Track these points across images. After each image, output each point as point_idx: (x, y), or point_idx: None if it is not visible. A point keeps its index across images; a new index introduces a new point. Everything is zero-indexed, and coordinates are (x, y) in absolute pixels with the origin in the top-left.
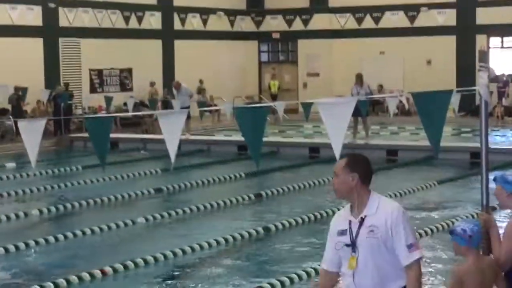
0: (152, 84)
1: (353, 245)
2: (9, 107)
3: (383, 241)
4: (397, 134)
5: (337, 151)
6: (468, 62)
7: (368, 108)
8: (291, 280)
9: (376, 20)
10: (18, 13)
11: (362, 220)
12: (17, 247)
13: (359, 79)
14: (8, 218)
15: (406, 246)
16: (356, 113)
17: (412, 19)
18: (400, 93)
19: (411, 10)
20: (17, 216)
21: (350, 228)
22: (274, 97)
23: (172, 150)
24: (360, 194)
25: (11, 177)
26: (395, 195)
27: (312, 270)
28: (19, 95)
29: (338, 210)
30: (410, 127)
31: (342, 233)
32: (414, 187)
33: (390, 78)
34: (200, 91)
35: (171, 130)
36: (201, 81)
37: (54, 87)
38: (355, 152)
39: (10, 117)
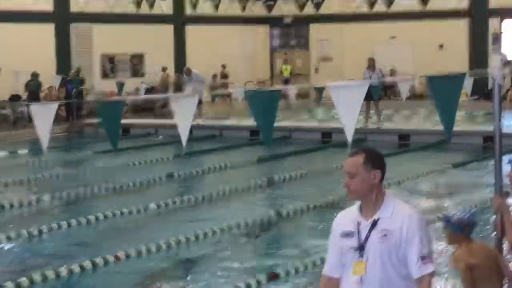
0: (164, 69)
1: (361, 249)
2: (21, 93)
3: (395, 247)
4: (410, 118)
5: (349, 135)
6: (480, 46)
7: (380, 93)
8: (305, 266)
9: (388, 4)
10: None
11: (375, 222)
12: (29, 233)
13: (371, 63)
14: (20, 204)
15: (419, 257)
16: (368, 97)
17: (424, 2)
18: (412, 77)
19: None
20: (29, 202)
21: (358, 230)
22: (286, 82)
23: (184, 135)
24: (377, 194)
25: (23, 163)
26: (407, 179)
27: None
28: (39, 81)
29: (346, 196)
30: (423, 111)
31: (347, 235)
32: (427, 172)
33: (402, 63)
34: (225, 75)
35: (183, 115)
36: (223, 66)
37: (66, 73)
38: (369, 146)
39: (24, 102)
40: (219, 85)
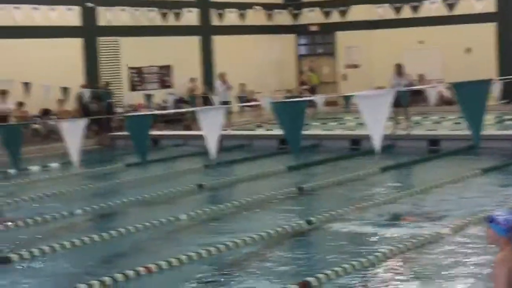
0: (193, 80)
1: None
2: (52, 106)
3: None
4: (439, 123)
5: (376, 143)
6: (508, 49)
7: (408, 99)
8: (336, 273)
9: (415, 9)
10: (58, 14)
11: None
12: (62, 246)
13: (399, 69)
14: (53, 217)
15: None
16: (397, 103)
17: (450, 7)
18: (440, 83)
19: None
20: (62, 215)
21: None
22: (313, 90)
23: (212, 146)
24: None
25: (55, 177)
26: (438, 185)
27: (357, 263)
28: (108, 91)
29: (380, 200)
30: (452, 116)
31: None
32: (458, 177)
33: (430, 68)
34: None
35: (211, 126)
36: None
37: (94, 86)
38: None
39: (54, 117)
40: (247, 95)
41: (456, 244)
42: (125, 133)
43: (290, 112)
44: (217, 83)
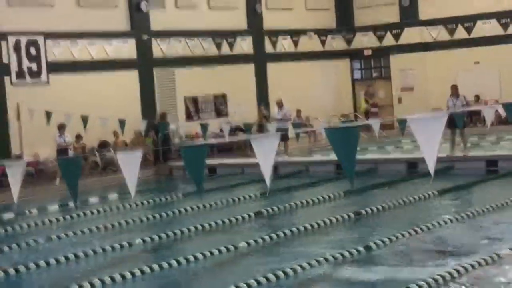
0: (262, 109)
1: None
2: (109, 138)
3: None
4: (497, 144)
5: (431, 166)
6: None
7: (464, 120)
8: None
9: (469, 30)
10: (114, 48)
11: None
12: (123, 276)
13: (454, 90)
14: (112, 248)
15: None
16: (453, 125)
17: (505, 26)
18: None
19: (504, 17)
20: (121, 246)
21: None
22: (367, 114)
23: (267, 173)
24: None
25: (114, 208)
26: (499, 206)
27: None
28: (165, 122)
29: (439, 224)
30: (510, 136)
31: None
32: None
33: (487, 88)
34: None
35: (265, 153)
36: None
37: (152, 117)
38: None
39: (111, 149)
40: (304, 121)
41: None
42: (182, 163)
43: (343, 138)
44: (274, 110)
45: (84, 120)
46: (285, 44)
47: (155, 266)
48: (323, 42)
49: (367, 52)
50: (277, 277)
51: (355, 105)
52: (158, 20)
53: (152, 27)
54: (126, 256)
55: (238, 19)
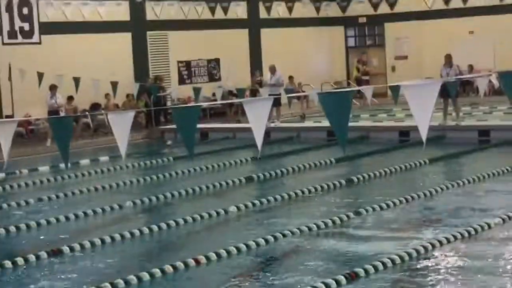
0: (257, 74)
1: None
2: (100, 101)
3: None
4: (489, 114)
5: (423, 134)
6: None
7: (458, 89)
8: (384, 265)
9: None
10: (106, 9)
11: None
12: (112, 238)
13: (448, 60)
14: (103, 210)
15: None
16: (446, 94)
17: None
18: (490, 73)
19: None
20: (111, 208)
21: None
22: (359, 81)
23: (259, 138)
24: None
25: (105, 170)
26: (490, 176)
27: (405, 254)
28: (158, 85)
29: (430, 193)
30: (502, 106)
31: None
32: (510, 167)
33: (481, 58)
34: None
35: (257, 118)
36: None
37: (145, 80)
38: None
39: (102, 111)
40: (296, 87)
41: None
42: (174, 126)
43: (337, 104)
44: (267, 76)
45: (76, 81)
46: (279, 10)
47: (145, 229)
48: (317, 9)
49: (362, 20)
50: (267, 242)
51: (348, 72)
52: None
53: None
54: (116, 218)
55: None
